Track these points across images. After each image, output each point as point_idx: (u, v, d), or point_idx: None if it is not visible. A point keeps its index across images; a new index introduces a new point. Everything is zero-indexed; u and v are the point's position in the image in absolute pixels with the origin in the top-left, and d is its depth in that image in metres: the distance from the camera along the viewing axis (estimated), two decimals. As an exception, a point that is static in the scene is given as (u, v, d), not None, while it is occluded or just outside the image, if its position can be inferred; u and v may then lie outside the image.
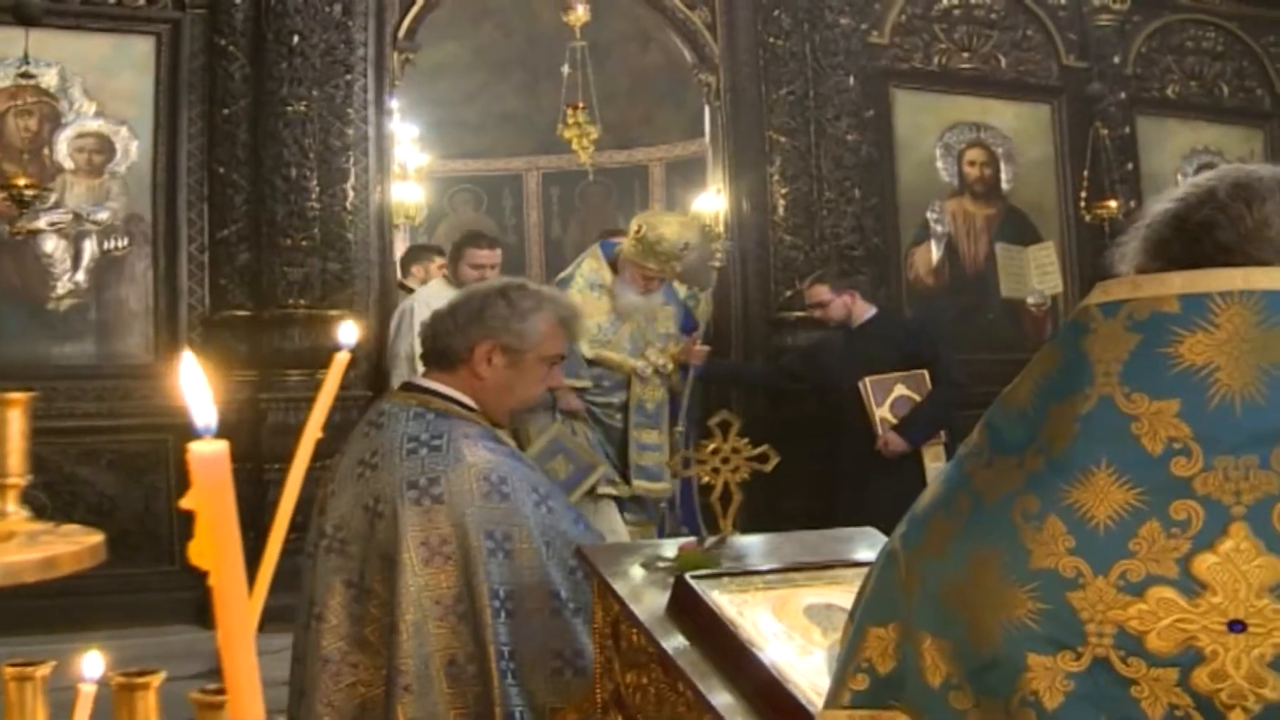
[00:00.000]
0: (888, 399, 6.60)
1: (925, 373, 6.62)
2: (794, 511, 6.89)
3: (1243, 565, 1.22)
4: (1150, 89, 9.80)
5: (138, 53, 7.15)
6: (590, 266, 6.86)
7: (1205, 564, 1.23)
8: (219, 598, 0.85)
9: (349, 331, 1.08)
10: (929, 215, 8.98)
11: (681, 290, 7.37)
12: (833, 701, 1.51)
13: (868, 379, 6.62)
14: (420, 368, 3.44)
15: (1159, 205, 1.52)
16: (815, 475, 7.01)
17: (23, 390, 1.33)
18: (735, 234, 8.34)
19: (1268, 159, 10.10)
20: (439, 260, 8.16)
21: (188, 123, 7.15)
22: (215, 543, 0.86)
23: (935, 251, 8.95)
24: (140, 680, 1.21)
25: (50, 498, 6.70)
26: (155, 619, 6.71)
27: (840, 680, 1.50)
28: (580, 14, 9.24)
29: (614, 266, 6.79)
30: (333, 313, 6.94)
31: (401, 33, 7.72)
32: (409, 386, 3.35)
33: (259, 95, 7.12)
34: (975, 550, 1.36)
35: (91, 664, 1.30)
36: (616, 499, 6.73)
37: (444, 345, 3.26)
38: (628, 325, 6.76)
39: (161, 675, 1.17)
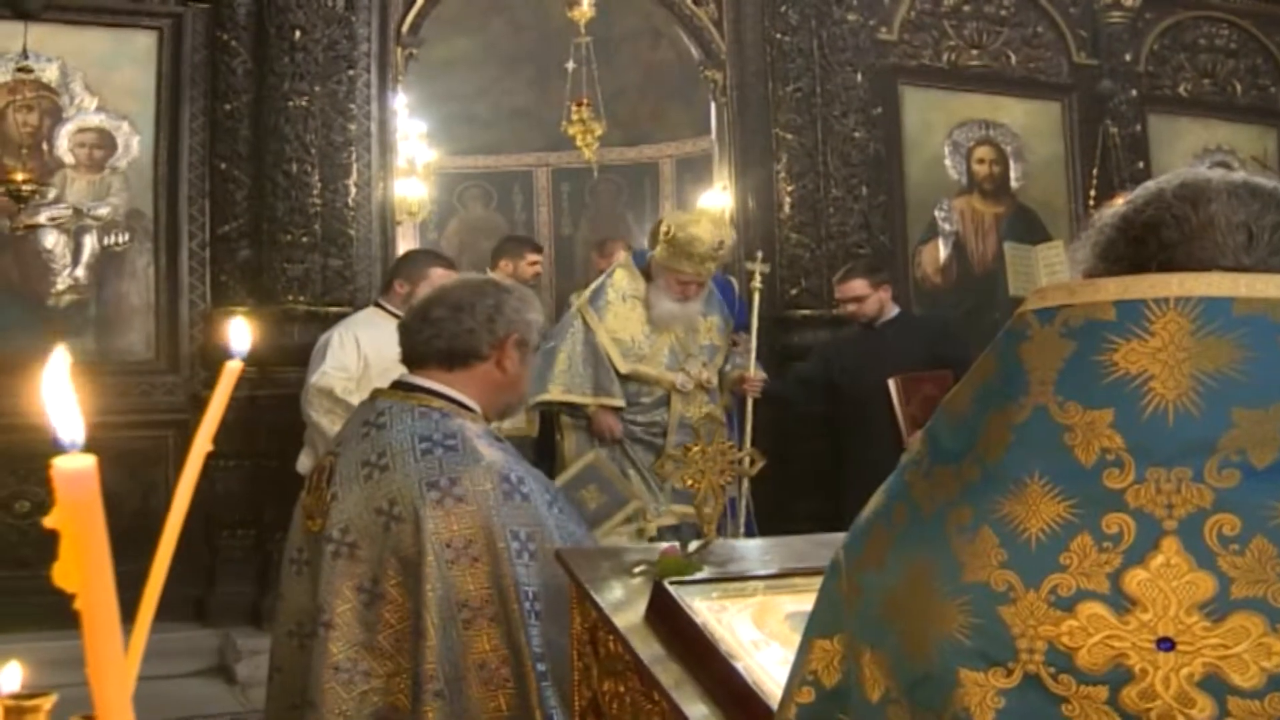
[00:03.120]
0: (914, 398, 6.46)
1: (950, 373, 6.46)
2: (805, 513, 6.84)
3: (1173, 581, 1.17)
4: (1162, 87, 9.75)
5: (139, 47, 7.14)
6: (622, 276, 6.34)
7: (1136, 579, 1.19)
8: (86, 619, 0.82)
9: (241, 336, 1.03)
10: (937, 213, 8.94)
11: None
12: (780, 715, 1.48)
13: (895, 378, 6.46)
14: (401, 369, 3.39)
15: (1111, 207, 1.49)
16: (827, 475, 6.96)
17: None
18: (741, 232, 8.27)
19: (1283, 158, 10.07)
20: (531, 257, 7.99)
21: (189, 118, 7.14)
22: (82, 563, 0.82)
23: (943, 250, 8.90)
24: (29, 704, 1.17)
25: (48, 495, 6.69)
26: (155, 616, 6.68)
27: (787, 694, 1.48)
28: (585, 9, 9.19)
29: (647, 276, 6.27)
30: (334, 309, 6.92)
31: (405, 27, 7.69)
32: (403, 385, 3.31)
33: (260, 90, 7.10)
34: (911, 562, 1.33)
35: (8, 677, 1.26)
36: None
37: (465, 344, 3.21)
38: (665, 337, 6.21)
39: (53, 698, 1.13)
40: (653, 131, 14.18)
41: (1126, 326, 1.26)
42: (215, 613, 6.76)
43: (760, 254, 6.88)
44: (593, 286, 6.57)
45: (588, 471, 5.79)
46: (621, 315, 6.16)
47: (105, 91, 7.08)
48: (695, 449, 2.72)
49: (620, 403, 6.18)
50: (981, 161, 9.07)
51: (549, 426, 6.35)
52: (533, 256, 7.99)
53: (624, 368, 6.11)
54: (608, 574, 2.53)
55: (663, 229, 6.15)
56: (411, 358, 3.29)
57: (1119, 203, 1.51)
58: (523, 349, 3.28)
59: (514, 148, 14.36)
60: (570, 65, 10.75)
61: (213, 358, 7.03)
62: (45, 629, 6.42)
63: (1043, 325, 1.32)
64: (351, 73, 7.27)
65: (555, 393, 6.01)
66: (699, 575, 2.41)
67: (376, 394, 3.30)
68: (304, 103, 7.03)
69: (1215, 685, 1.15)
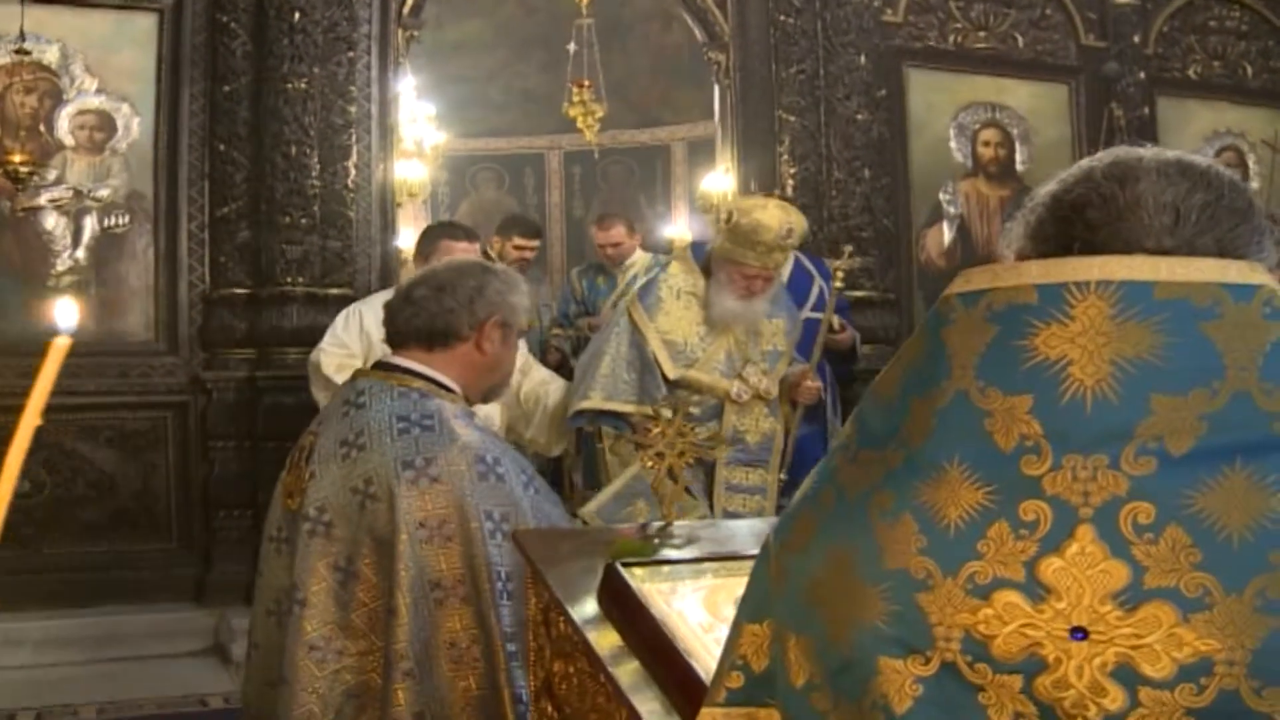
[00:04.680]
0: None
1: None
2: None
3: (1087, 570, 1.16)
4: (1171, 69, 9.67)
5: (139, 29, 7.12)
6: (677, 270, 5.60)
7: (1051, 568, 1.17)
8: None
9: (67, 313, 1.02)
10: (941, 196, 8.89)
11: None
12: (709, 700, 1.47)
13: None
14: (385, 349, 3.40)
15: (1043, 187, 1.47)
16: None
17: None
18: (743, 214, 8.23)
19: (1293, 141, 9.99)
20: (517, 240, 8.04)
21: (189, 99, 7.12)
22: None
23: (947, 233, 8.86)
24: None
25: (49, 474, 6.73)
26: (152, 596, 6.74)
27: (717, 678, 1.46)
28: (588, -9, 9.15)
29: (706, 271, 5.49)
30: (333, 291, 6.93)
31: (406, 9, 7.67)
32: (384, 365, 3.31)
33: (260, 72, 7.08)
34: (833, 547, 1.32)
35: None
36: None
37: (445, 324, 3.24)
38: (723, 339, 5.45)
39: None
40: (664, 114, 14.21)
41: (1047, 310, 1.24)
42: (212, 593, 6.77)
43: (849, 248, 6.31)
44: (641, 282, 5.96)
45: (636, 483, 5.14)
46: (674, 314, 5.47)
47: (105, 73, 7.07)
48: (655, 430, 2.70)
49: (666, 412, 5.41)
50: (987, 144, 9.02)
51: (590, 438, 5.85)
52: (519, 240, 8.03)
53: (673, 373, 5.41)
54: (565, 555, 2.52)
55: (723, 216, 5.44)
56: (394, 338, 3.31)
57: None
58: (505, 331, 3.30)
59: (526, 130, 14.42)
60: (572, 47, 10.71)
61: (212, 339, 7.03)
62: (48, 608, 6.49)
63: (966, 309, 1.30)
64: (352, 54, 7.24)
65: (596, 400, 5.28)
66: (654, 556, 2.39)
67: (358, 374, 3.32)
68: (303, 84, 7.01)
69: (1127, 675, 1.14)
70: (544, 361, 6.64)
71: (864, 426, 1.38)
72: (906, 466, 1.27)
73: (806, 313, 6.21)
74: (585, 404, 5.25)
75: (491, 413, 5.00)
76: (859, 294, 7.72)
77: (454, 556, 2.93)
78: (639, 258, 8.20)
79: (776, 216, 5.22)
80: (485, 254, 7.68)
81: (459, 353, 3.25)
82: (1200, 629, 1.12)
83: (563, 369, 7.41)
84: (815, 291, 6.48)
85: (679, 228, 12.66)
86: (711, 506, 5.39)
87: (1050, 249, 1.39)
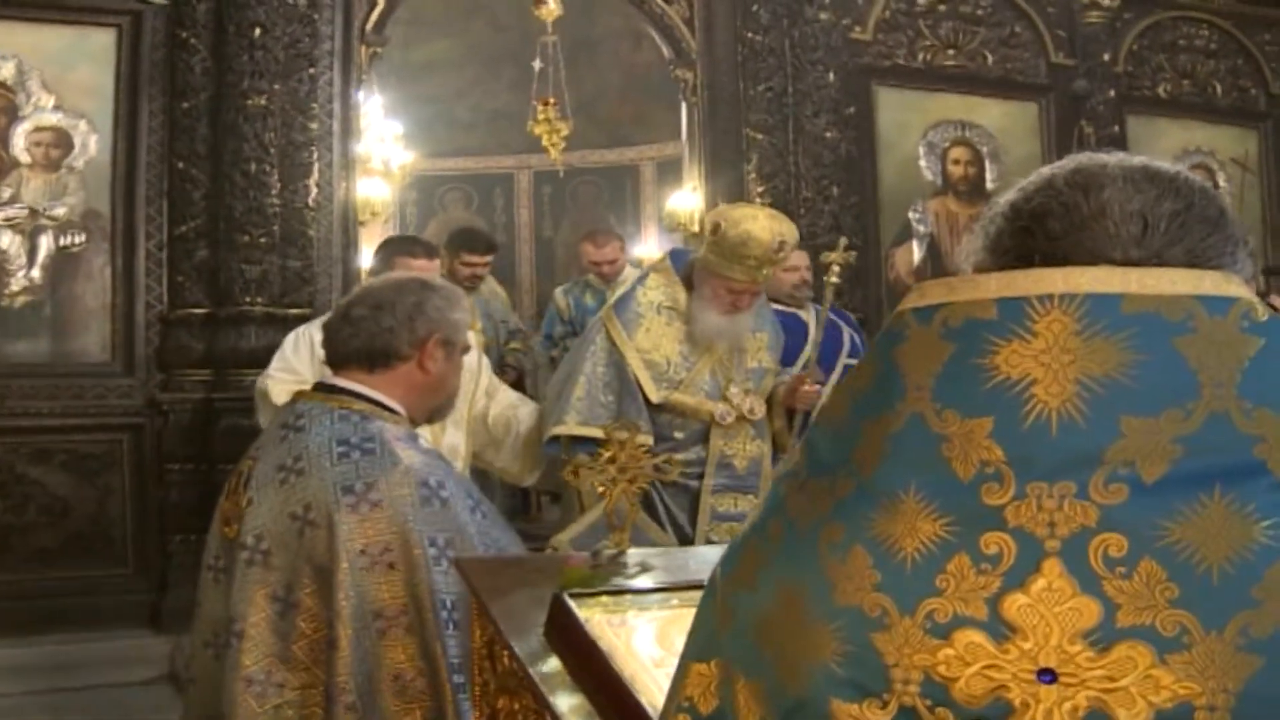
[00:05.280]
0: None
1: None
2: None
3: (1055, 607, 1.06)
4: (1141, 87, 9.70)
5: (97, 45, 7.00)
6: (656, 283, 5.18)
7: (1015, 605, 1.07)
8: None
9: None
10: (911, 215, 8.85)
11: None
12: None
13: None
14: (326, 371, 3.29)
15: (1003, 196, 1.37)
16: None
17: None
18: (711, 234, 8.17)
19: (1263, 159, 10.05)
20: (466, 257, 7.87)
21: (148, 116, 7.00)
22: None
23: (917, 251, 8.82)
24: None
25: (2, 499, 6.59)
26: (107, 623, 6.60)
27: None
28: (551, 8, 9.09)
29: (688, 283, 5.12)
30: (293, 311, 6.81)
31: (369, 26, 7.58)
32: (324, 387, 3.20)
33: (220, 88, 6.96)
34: (782, 582, 1.22)
35: None
36: None
37: (384, 344, 3.14)
38: (708, 358, 5.09)
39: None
40: (634, 134, 14.22)
41: (1008, 326, 1.14)
42: (169, 620, 6.62)
43: (845, 240, 5.92)
44: (619, 294, 5.58)
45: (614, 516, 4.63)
46: (655, 331, 5.07)
47: (62, 90, 6.95)
48: (607, 454, 2.59)
49: (648, 440, 4.90)
50: (957, 162, 8.99)
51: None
52: (467, 256, 7.87)
53: (656, 396, 5.03)
54: (510, 584, 2.41)
55: (709, 225, 5.06)
56: (333, 358, 3.20)
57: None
58: (447, 349, 3.20)
59: (495, 150, 14.42)
60: (537, 64, 10.64)
61: (169, 360, 6.91)
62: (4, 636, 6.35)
63: (921, 325, 1.20)
64: (313, 71, 7.15)
65: (571, 424, 4.89)
66: (604, 586, 2.29)
67: (298, 396, 3.21)
68: (263, 101, 6.90)
69: None
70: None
71: (813, 453, 1.27)
72: (858, 496, 1.17)
73: (844, 359, 6.16)
74: (560, 429, 4.89)
75: (456, 442, 4.88)
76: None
77: (397, 585, 2.83)
78: (628, 273, 8.10)
79: (768, 228, 4.83)
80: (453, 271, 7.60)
81: (401, 373, 3.14)
82: (1178, 670, 1.03)
83: (519, 386, 7.28)
84: (847, 340, 6.39)
85: (649, 248, 12.62)
86: (694, 536, 5.06)
87: (1009, 261, 1.29)
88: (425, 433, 4.86)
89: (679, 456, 4.90)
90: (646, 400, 5.01)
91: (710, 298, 4.97)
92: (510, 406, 5.10)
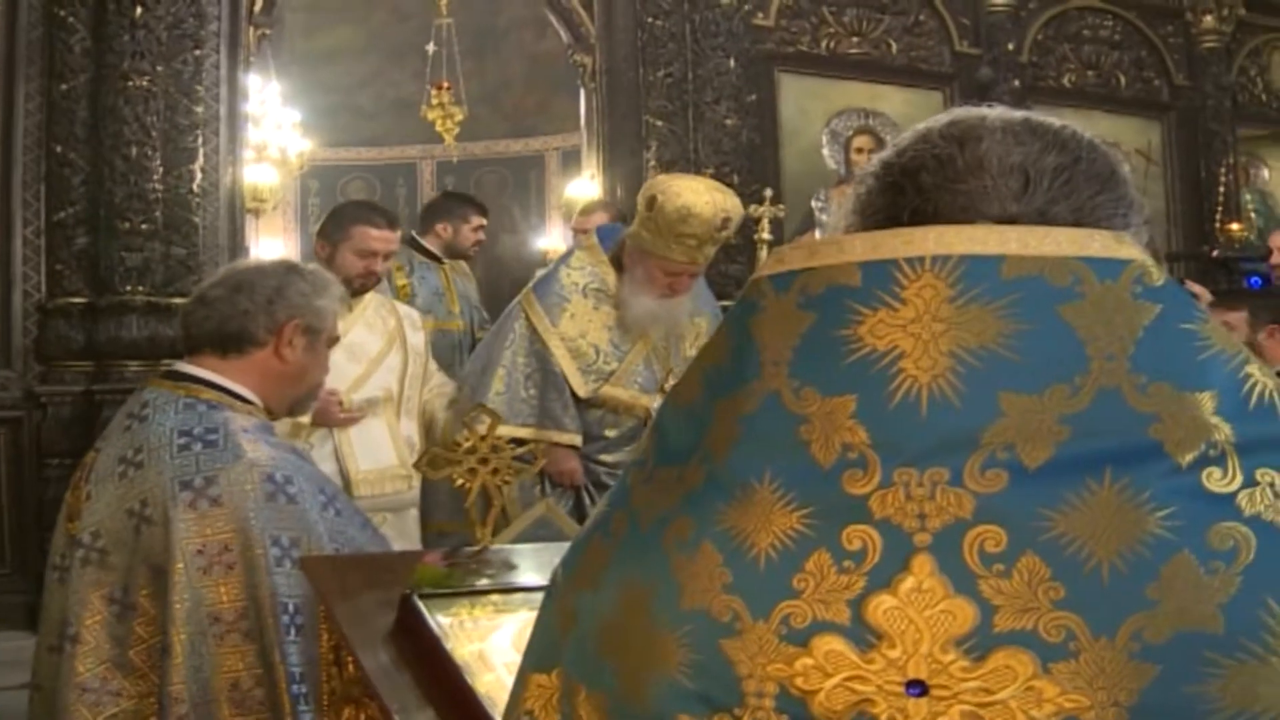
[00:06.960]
0: None
1: None
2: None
3: (925, 610, 0.92)
4: (1046, 77, 9.81)
5: (-29, 23, 6.75)
6: (581, 261, 4.76)
7: (881, 608, 0.93)
8: None
9: None
10: (814, 204, 8.84)
11: None
12: None
13: None
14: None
15: (878, 155, 1.24)
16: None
17: None
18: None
19: (1166, 151, 10.19)
20: (476, 220, 7.32)
21: (24, 99, 6.74)
22: None
23: (819, 240, 8.76)
24: None
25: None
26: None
27: None
28: (443, -11, 8.94)
29: (617, 263, 4.68)
30: (176, 300, 6.56)
31: (258, 7, 7.38)
32: (174, 374, 3.00)
33: (100, 69, 6.72)
34: (626, 583, 1.07)
35: None
36: None
37: (239, 327, 2.93)
38: (640, 347, 4.67)
39: None
40: (538, 124, 14.19)
41: (874, 293, 1.00)
42: (47, 621, 6.41)
43: (770, 192, 5.65)
44: (540, 275, 5.04)
45: (538, 528, 4.00)
46: (580, 316, 4.64)
47: (-66, 70, 6.68)
48: (466, 444, 2.43)
49: (575, 439, 4.64)
50: (860, 151, 8.99)
51: None
52: (477, 220, 7.37)
53: (584, 391, 4.62)
54: (359, 585, 2.26)
55: (643, 198, 4.50)
56: (186, 342, 3.00)
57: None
58: (310, 336, 3.00)
59: (398, 139, 14.34)
60: (431, 48, 10.46)
61: (48, 352, 6.66)
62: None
63: (778, 294, 1.05)
64: (199, 53, 6.92)
65: None
66: (459, 586, 2.14)
67: (147, 382, 3.01)
68: (145, 83, 6.66)
69: None
70: None
71: (662, 439, 1.13)
72: (708, 486, 1.03)
73: None
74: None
75: (409, 432, 4.68)
76: (725, 303, 7.54)
77: (235, 587, 2.64)
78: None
79: (710, 201, 4.31)
80: (416, 244, 7.30)
81: (256, 360, 2.94)
82: (1064, 681, 0.90)
83: None
84: None
85: (553, 239, 12.50)
86: None
87: (879, 222, 1.16)
88: (384, 424, 4.65)
89: (610, 457, 4.68)
90: (574, 395, 4.64)
91: (644, 280, 4.55)
92: (433, 391, 4.87)
